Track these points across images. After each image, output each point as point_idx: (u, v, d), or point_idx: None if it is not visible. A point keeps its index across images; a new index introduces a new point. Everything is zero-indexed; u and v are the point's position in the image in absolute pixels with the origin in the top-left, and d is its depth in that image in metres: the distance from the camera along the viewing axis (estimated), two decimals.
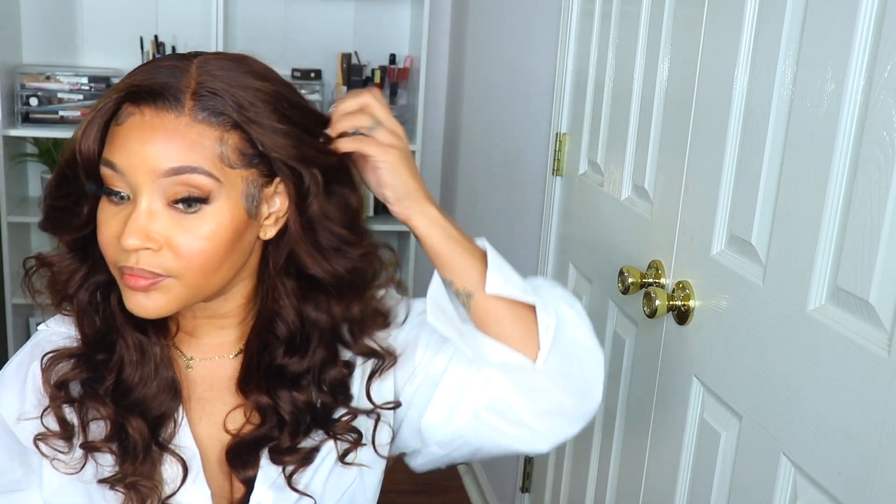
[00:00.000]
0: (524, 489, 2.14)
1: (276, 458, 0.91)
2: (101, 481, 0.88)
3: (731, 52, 1.18)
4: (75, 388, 0.88)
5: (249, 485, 0.92)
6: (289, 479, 0.91)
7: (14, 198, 2.90)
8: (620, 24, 1.60)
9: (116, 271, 0.82)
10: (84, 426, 0.88)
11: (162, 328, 0.91)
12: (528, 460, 2.11)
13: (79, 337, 0.89)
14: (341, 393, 0.93)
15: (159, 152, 0.78)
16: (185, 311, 0.90)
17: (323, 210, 0.86)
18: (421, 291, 0.92)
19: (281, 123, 0.82)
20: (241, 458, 0.91)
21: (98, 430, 0.88)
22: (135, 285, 0.81)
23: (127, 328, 0.88)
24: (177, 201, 0.80)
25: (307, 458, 0.92)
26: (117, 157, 0.79)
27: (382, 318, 0.94)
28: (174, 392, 0.89)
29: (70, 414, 0.88)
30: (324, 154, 0.86)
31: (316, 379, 0.91)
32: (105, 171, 0.80)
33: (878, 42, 0.91)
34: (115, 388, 0.88)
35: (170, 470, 0.89)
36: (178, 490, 0.88)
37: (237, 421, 0.92)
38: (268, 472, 0.91)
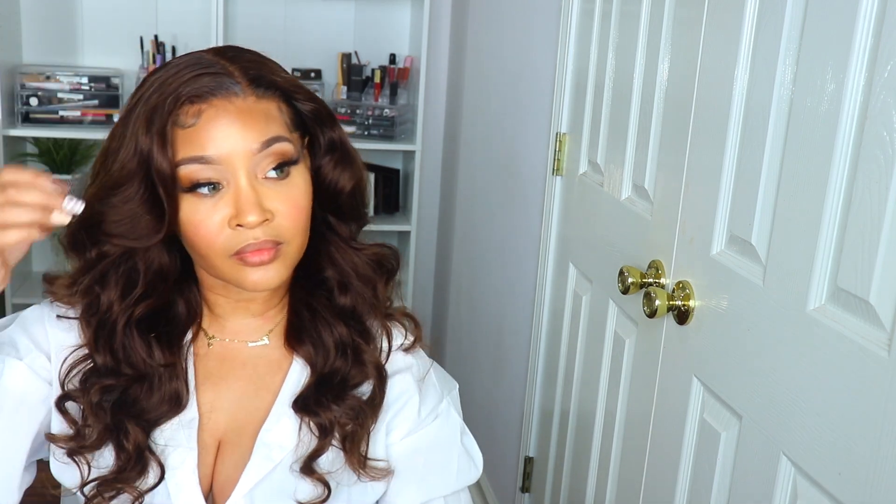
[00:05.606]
0: (524, 489, 2.14)
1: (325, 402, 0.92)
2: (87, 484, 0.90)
3: (731, 52, 1.18)
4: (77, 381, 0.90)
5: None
6: (311, 457, 0.92)
7: None
8: (620, 24, 1.60)
9: (230, 260, 0.85)
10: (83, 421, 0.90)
11: (179, 336, 0.94)
12: (528, 460, 2.12)
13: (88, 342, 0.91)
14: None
15: (247, 132, 0.84)
16: (227, 294, 0.94)
17: (337, 176, 0.92)
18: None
19: (301, 88, 0.90)
20: (308, 405, 0.93)
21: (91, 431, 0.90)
22: (261, 259, 0.85)
23: (139, 344, 0.90)
24: (270, 171, 0.85)
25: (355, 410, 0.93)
26: (208, 150, 0.83)
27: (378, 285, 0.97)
28: (176, 402, 0.91)
29: (73, 410, 0.90)
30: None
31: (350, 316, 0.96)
32: (191, 168, 0.83)
33: (878, 42, 0.91)
34: (119, 398, 0.90)
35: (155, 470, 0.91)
36: (158, 484, 0.90)
37: (246, 408, 0.94)
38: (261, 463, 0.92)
